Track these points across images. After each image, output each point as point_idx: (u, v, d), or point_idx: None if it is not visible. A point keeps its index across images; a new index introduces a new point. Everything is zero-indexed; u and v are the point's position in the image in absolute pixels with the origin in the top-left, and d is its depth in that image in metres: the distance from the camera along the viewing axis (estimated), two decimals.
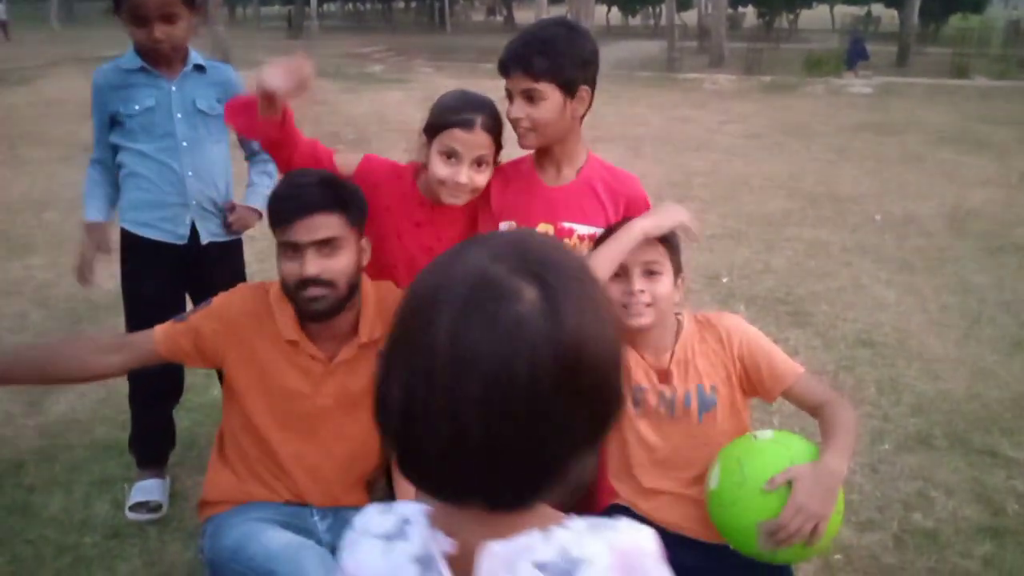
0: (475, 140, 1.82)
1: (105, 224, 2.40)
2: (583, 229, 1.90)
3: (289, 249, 1.75)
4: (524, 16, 42.71)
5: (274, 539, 1.75)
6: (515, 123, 1.84)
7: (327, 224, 1.73)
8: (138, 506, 2.40)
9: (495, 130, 1.86)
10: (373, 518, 0.82)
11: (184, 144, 2.27)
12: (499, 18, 50.62)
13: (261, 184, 2.47)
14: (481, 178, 1.86)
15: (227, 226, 2.40)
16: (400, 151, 2.05)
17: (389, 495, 2.04)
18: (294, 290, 1.78)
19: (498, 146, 1.90)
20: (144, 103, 2.24)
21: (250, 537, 1.76)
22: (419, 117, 1.94)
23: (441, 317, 0.69)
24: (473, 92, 1.93)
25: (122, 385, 3.16)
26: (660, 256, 1.75)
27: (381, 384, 0.74)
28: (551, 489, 0.73)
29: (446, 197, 1.86)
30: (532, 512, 0.75)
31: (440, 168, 1.83)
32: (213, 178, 2.34)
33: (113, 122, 2.28)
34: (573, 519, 0.78)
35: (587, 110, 1.88)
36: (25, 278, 4.57)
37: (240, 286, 2.00)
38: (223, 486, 1.96)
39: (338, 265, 1.75)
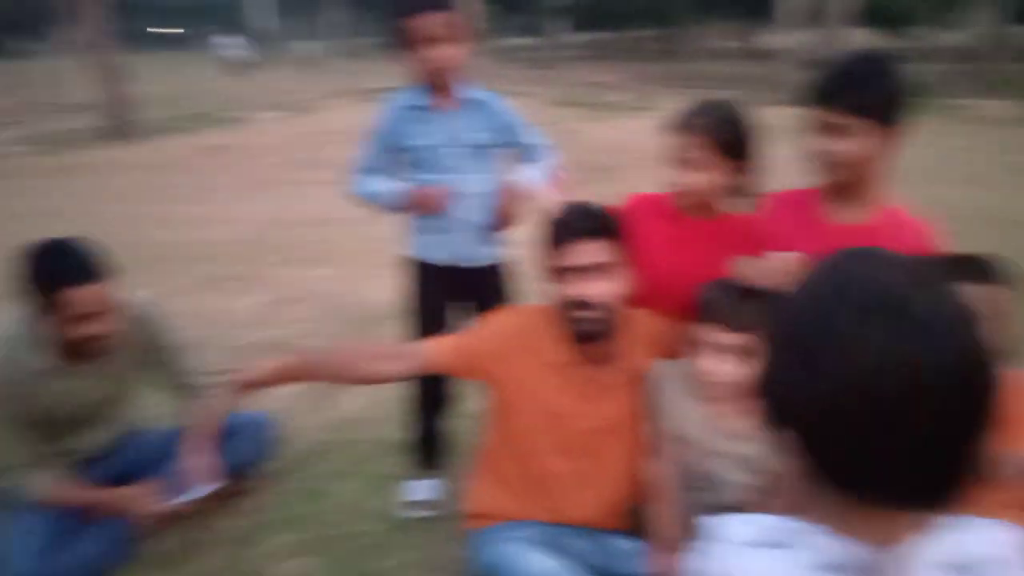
0: (689, 142, 1.92)
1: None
2: None
3: (561, 272, 1.86)
4: (765, 42, 41.24)
5: (535, 563, 1.82)
6: (818, 156, 1.81)
7: (597, 250, 1.83)
8: (414, 504, 2.62)
9: (716, 133, 1.92)
10: (739, 527, 0.86)
11: (455, 176, 2.44)
12: (740, 44, 49.24)
13: (532, 168, 2.51)
14: (693, 178, 1.94)
15: (494, 225, 2.49)
16: (638, 179, 2.16)
17: (641, 525, 2.04)
18: (564, 312, 1.88)
19: (725, 147, 1.93)
20: (422, 139, 2.44)
21: (510, 557, 1.86)
22: (660, 144, 2.02)
23: (850, 323, 0.73)
24: (712, 100, 2.00)
25: (400, 389, 3.47)
26: None
27: (774, 387, 0.79)
28: (958, 487, 0.75)
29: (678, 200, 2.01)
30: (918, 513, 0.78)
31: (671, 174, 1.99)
32: (482, 206, 2.49)
33: (397, 151, 2.49)
34: (954, 517, 0.79)
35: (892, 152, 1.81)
36: (314, 288, 5.14)
37: (514, 307, 2.15)
38: (483, 500, 2.07)
39: (605, 289, 1.84)
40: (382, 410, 3.34)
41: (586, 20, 40.42)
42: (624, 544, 1.99)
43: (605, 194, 2.24)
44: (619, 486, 2.04)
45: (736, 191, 2.01)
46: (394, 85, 2.52)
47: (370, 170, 2.54)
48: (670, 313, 2.00)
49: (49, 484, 2.31)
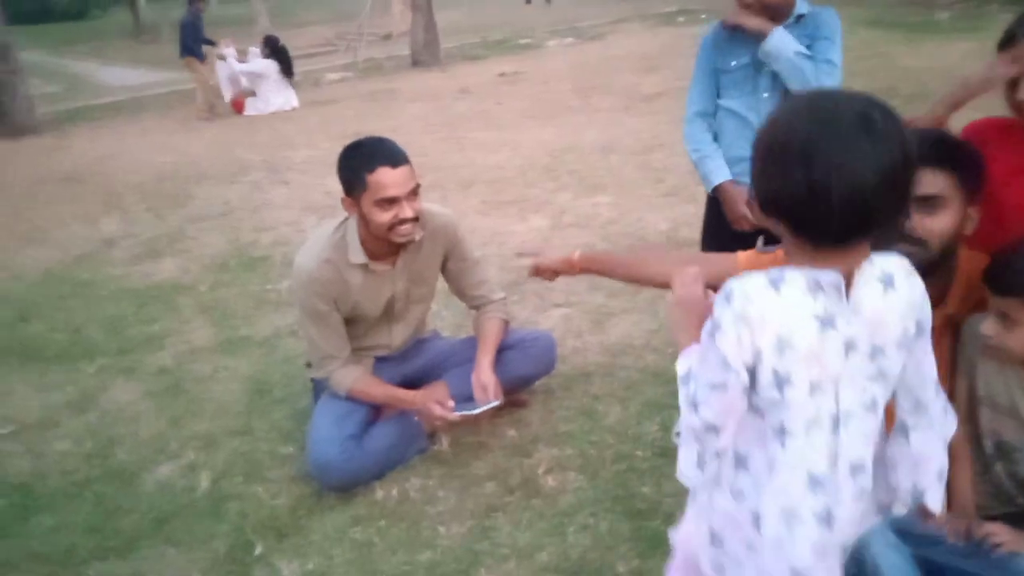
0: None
1: (732, 183, 2.44)
2: None
3: None
4: None
5: None
6: None
7: (932, 181, 1.68)
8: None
9: None
10: (753, 277, 1.16)
11: (764, 95, 2.29)
12: None
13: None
14: None
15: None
16: (966, 107, 1.88)
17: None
18: None
19: None
20: (741, 59, 2.31)
21: None
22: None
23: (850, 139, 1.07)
24: None
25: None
26: None
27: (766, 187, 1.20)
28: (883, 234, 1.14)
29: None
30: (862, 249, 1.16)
31: None
32: None
33: (716, 75, 2.40)
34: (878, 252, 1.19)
35: None
36: (593, 214, 5.19)
37: None
38: None
39: (934, 224, 1.69)
40: (650, 338, 3.33)
41: None
42: None
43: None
44: None
45: None
46: (681, 9, 2.42)
47: (699, 114, 2.47)
48: None
49: (355, 378, 2.58)
